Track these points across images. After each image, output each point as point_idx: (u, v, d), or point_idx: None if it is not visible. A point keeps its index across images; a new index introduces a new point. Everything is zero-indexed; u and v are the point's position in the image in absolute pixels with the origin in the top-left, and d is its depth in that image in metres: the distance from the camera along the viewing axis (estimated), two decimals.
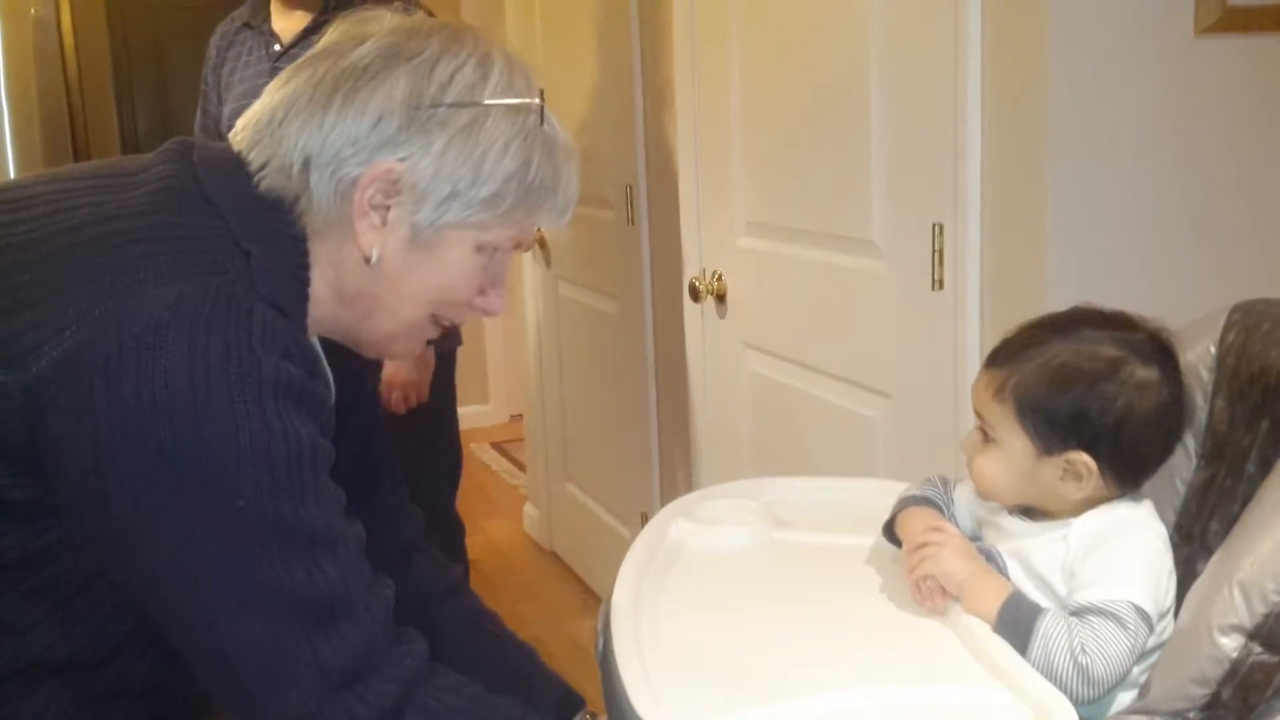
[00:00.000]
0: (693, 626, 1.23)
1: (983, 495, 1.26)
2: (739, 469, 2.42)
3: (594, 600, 3.29)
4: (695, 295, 2.46)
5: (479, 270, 1.19)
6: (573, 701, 1.40)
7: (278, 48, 2.42)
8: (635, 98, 2.73)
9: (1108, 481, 1.18)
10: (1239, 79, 1.66)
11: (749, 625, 1.23)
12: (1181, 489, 1.29)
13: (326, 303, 1.14)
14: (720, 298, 2.43)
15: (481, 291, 1.21)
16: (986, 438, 1.23)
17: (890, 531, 1.34)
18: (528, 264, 3.61)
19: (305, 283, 1.11)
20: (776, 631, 1.22)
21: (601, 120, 2.96)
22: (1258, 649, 1.04)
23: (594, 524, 3.39)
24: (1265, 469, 1.17)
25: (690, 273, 2.51)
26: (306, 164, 1.09)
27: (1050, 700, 1.01)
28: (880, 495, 1.54)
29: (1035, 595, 1.19)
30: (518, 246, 1.22)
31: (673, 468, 2.81)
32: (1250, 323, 1.27)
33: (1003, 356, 1.22)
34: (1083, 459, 1.18)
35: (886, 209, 1.91)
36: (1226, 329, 1.29)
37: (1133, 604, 1.10)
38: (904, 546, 1.26)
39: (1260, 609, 1.04)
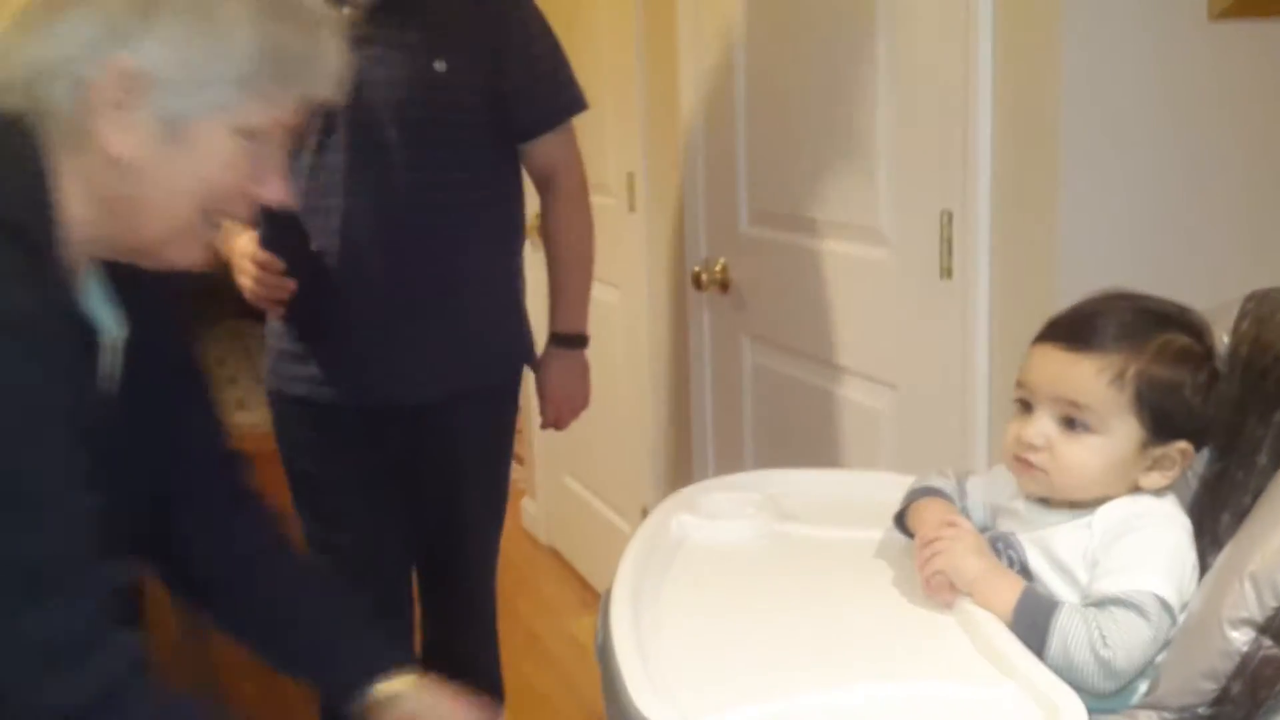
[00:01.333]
0: (693, 620, 1.21)
1: (1058, 491, 1.18)
2: (741, 462, 2.39)
3: (592, 596, 3.26)
4: (698, 284, 2.43)
5: (244, 156, 1.11)
6: (383, 664, 1.34)
7: None
8: (637, 82, 2.70)
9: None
10: (1253, 63, 1.64)
11: (751, 620, 1.22)
12: (1194, 482, 1.27)
13: (89, 219, 1.08)
14: (724, 287, 2.40)
15: (257, 180, 1.13)
16: (1072, 427, 1.17)
17: (901, 523, 1.31)
18: (526, 250, 3.57)
19: (48, 205, 1.04)
20: (778, 626, 1.20)
21: (603, 105, 2.93)
22: (1268, 643, 1.02)
23: (593, 518, 3.36)
24: (1277, 460, 1.15)
25: (693, 261, 2.49)
26: (37, 76, 1.04)
27: (1059, 696, 0.99)
28: (886, 488, 1.52)
29: (1056, 583, 1.17)
30: (286, 127, 1.13)
31: (674, 461, 2.79)
32: (1264, 312, 1.24)
33: (1096, 339, 1.15)
34: (1183, 447, 1.16)
35: (894, 197, 1.88)
36: (1240, 318, 1.26)
37: (1155, 595, 1.08)
38: (916, 539, 1.24)
39: (1271, 602, 1.02)
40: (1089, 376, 1.15)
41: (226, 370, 6.47)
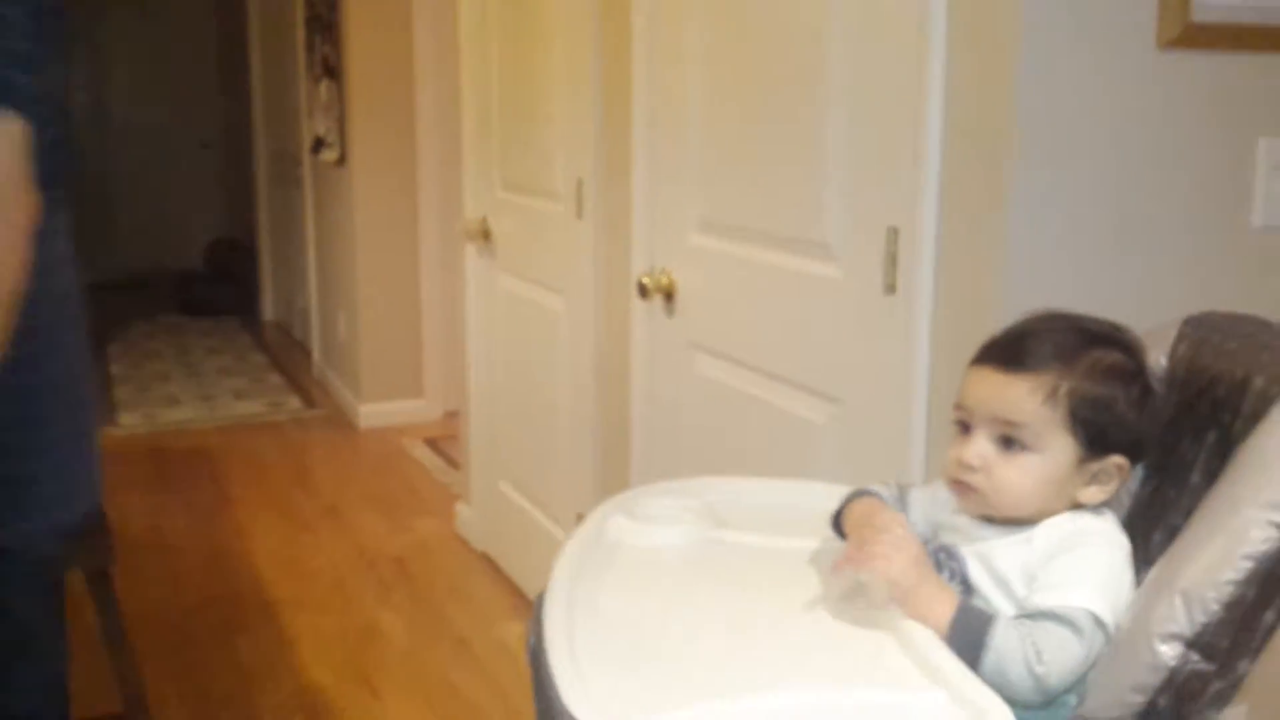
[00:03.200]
0: (627, 624, 1.21)
1: (994, 509, 1.20)
2: (679, 472, 2.38)
3: (525, 603, 3.24)
4: (643, 292, 2.43)
5: None
6: None
7: None
8: (591, 89, 2.70)
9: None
10: (1199, 93, 1.67)
11: (684, 624, 1.21)
12: (1126, 500, 1.29)
13: None
14: (669, 296, 2.40)
15: None
16: (1010, 446, 1.18)
17: (838, 524, 1.31)
18: (469, 255, 3.56)
19: None
20: (712, 631, 1.19)
21: (554, 111, 2.92)
22: (1195, 657, 1.04)
23: (528, 525, 3.34)
24: (1209, 480, 1.16)
25: (638, 269, 2.48)
26: None
27: (987, 703, 1.00)
28: (823, 498, 1.52)
29: (995, 596, 1.18)
30: None
31: (612, 470, 2.77)
32: (1201, 335, 1.26)
33: (1030, 359, 1.17)
34: (1119, 461, 1.18)
35: (841, 212, 1.89)
36: (1178, 341, 1.29)
37: (1090, 612, 1.09)
38: (850, 537, 1.24)
39: (1200, 618, 1.04)
40: (1023, 396, 1.16)
41: (160, 365, 6.39)
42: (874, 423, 1.85)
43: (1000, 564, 1.18)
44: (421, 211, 5.14)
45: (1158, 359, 1.28)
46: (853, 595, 1.16)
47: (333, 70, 5.21)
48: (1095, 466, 1.18)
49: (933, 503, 1.31)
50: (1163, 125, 1.66)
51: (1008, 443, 1.18)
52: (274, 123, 7.01)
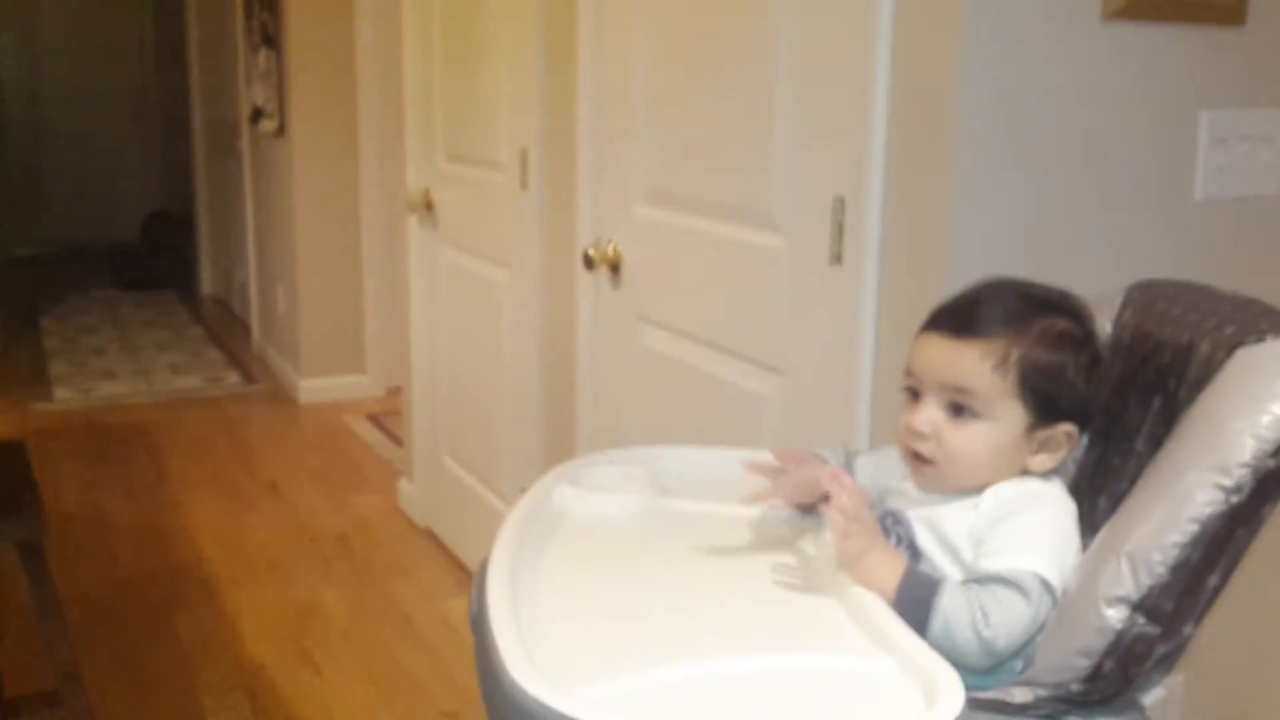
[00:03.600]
0: (572, 591, 1.19)
1: (949, 479, 1.19)
2: (626, 445, 2.36)
3: (468, 579, 3.22)
4: (589, 264, 2.41)
5: None
6: None
7: None
8: (534, 58, 2.66)
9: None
10: (1142, 65, 1.68)
11: (630, 591, 1.20)
12: (1072, 467, 1.29)
13: None
14: (615, 268, 2.38)
15: None
16: (960, 413, 1.17)
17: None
18: (412, 227, 3.52)
19: None
20: (658, 598, 1.18)
21: (498, 80, 2.89)
22: (1141, 620, 1.04)
23: (473, 501, 3.32)
24: (1154, 446, 1.17)
25: (584, 241, 2.46)
26: None
27: (936, 670, 0.99)
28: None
29: (943, 561, 1.18)
30: None
31: (558, 443, 2.76)
32: (1146, 301, 1.27)
33: (979, 326, 1.17)
34: (1068, 429, 1.18)
35: (787, 182, 1.88)
36: (1123, 308, 1.29)
37: (1037, 574, 1.09)
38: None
39: (1146, 580, 1.04)
40: (973, 362, 1.16)
41: (95, 340, 6.27)
42: (819, 393, 1.85)
43: (947, 528, 1.17)
44: (363, 183, 5.06)
45: (1103, 325, 1.28)
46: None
47: (271, 38, 5.12)
48: (1044, 434, 1.18)
49: (880, 468, 1.31)
50: (1107, 97, 1.66)
51: (958, 410, 1.17)
52: (211, 92, 6.88)
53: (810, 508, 1.30)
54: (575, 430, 2.62)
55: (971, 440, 1.17)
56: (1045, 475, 1.19)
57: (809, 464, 1.29)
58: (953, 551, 1.17)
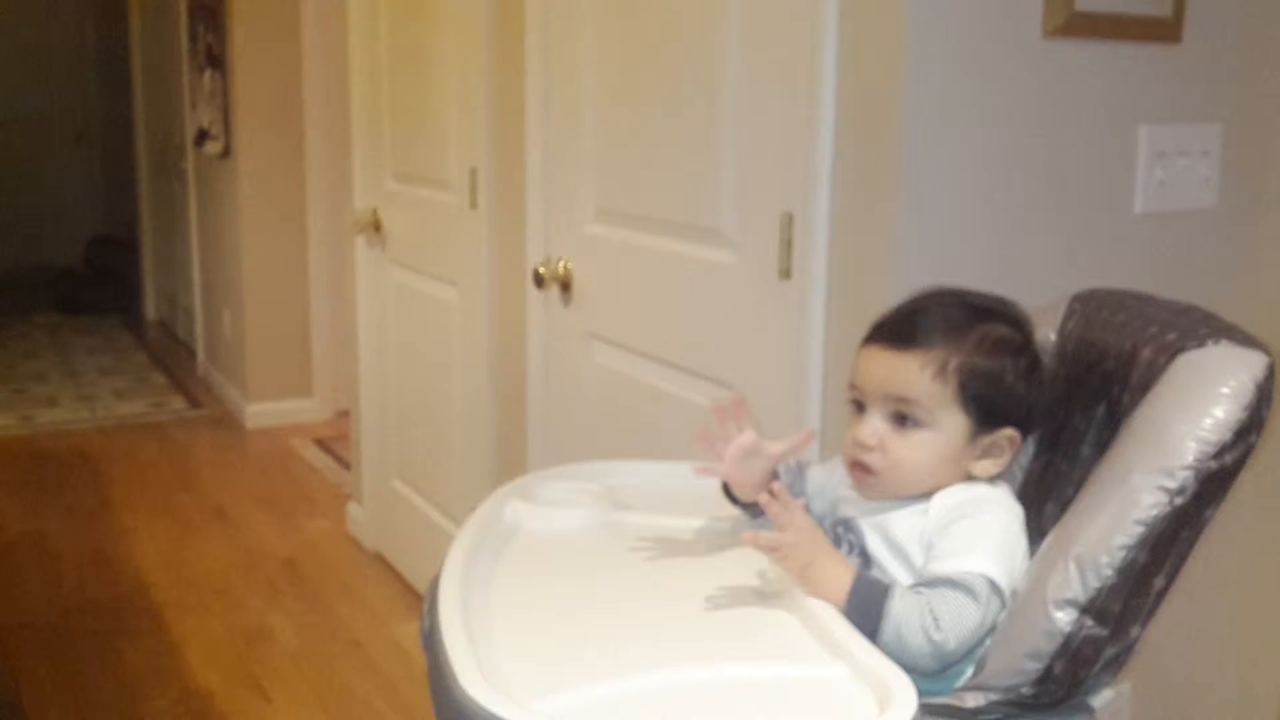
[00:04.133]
0: (525, 606, 1.19)
1: (892, 488, 1.20)
2: (579, 462, 2.36)
3: (418, 602, 3.19)
4: (539, 282, 2.40)
5: None
6: None
7: None
8: (483, 77, 2.66)
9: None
10: (1083, 81, 1.70)
11: (583, 605, 1.20)
12: (1019, 474, 1.31)
13: None
14: (565, 286, 2.38)
15: None
16: (903, 423, 1.19)
17: (729, 490, 1.32)
18: (359, 248, 3.50)
19: None
20: (612, 611, 1.18)
21: (446, 99, 2.88)
22: (1090, 622, 1.06)
23: (423, 523, 3.29)
24: (1100, 451, 1.19)
25: (534, 259, 2.46)
26: None
27: (891, 678, 1.00)
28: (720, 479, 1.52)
29: (894, 566, 1.19)
30: None
31: (509, 463, 2.75)
32: (1090, 310, 1.29)
33: (919, 336, 1.18)
34: (1010, 434, 1.20)
35: (736, 198, 1.89)
36: (1066, 317, 1.31)
37: (985, 577, 1.10)
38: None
39: (1094, 583, 1.05)
40: (913, 373, 1.18)
41: (38, 365, 6.18)
42: (770, 407, 1.85)
43: (897, 533, 1.19)
44: (309, 205, 5.03)
45: (1047, 335, 1.30)
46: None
47: (217, 60, 5.09)
48: (987, 440, 1.19)
49: (830, 478, 1.32)
50: (1048, 112, 1.69)
51: (901, 420, 1.19)
52: (156, 114, 6.81)
53: (760, 511, 1.31)
54: (526, 449, 2.62)
55: (916, 449, 1.18)
56: (991, 480, 1.21)
57: (742, 430, 1.29)
58: (903, 556, 1.18)
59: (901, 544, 1.18)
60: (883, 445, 1.19)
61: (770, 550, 1.14)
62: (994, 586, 1.10)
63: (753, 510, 1.32)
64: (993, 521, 1.16)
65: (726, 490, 1.34)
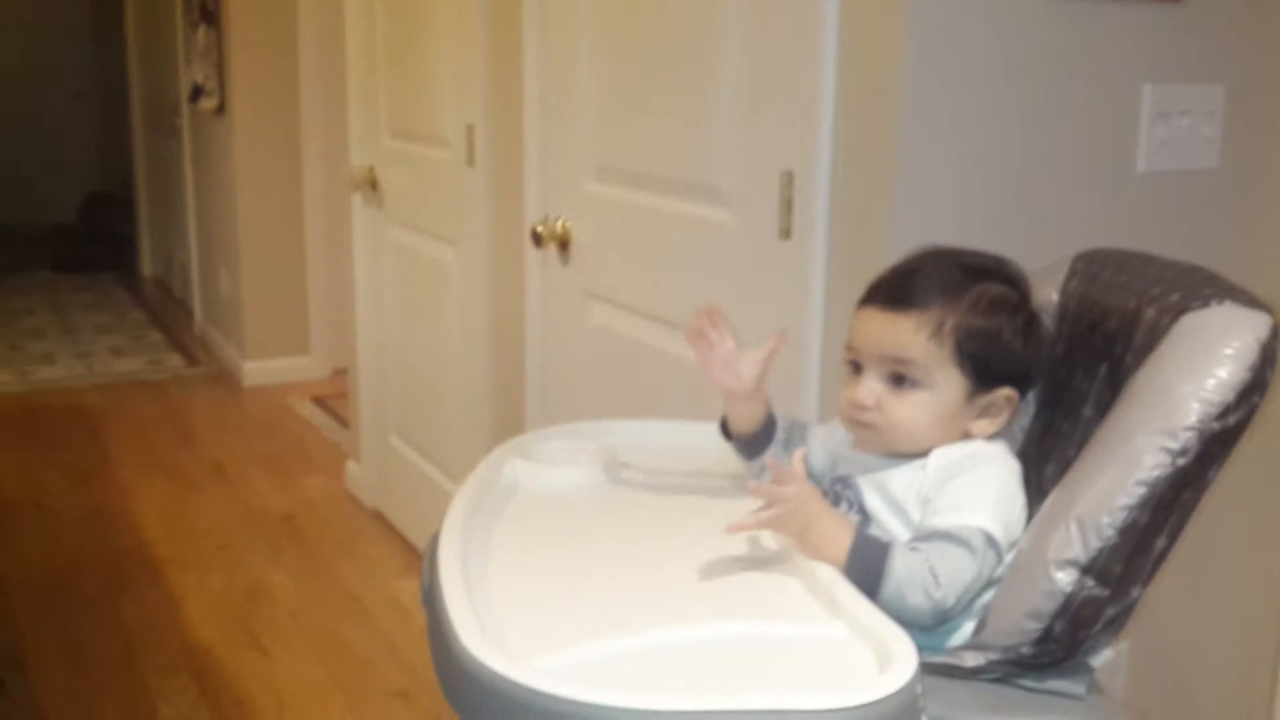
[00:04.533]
0: (525, 563, 1.19)
1: (890, 445, 1.21)
2: (577, 421, 2.36)
3: (417, 559, 3.20)
4: (537, 241, 2.39)
5: None
6: None
7: None
8: (479, 31, 2.64)
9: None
10: (1087, 38, 1.69)
11: (584, 563, 1.20)
12: (1019, 435, 1.31)
13: None
14: (564, 245, 2.37)
15: None
16: (901, 384, 1.19)
17: (725, 427, 1.35)
18: (356, 206, 3.48)
19: None
20: (612, 569, 1.18)
21: (442, 54, 2.86)
22: (1090, 583, 1.06)
23: (421, 481, 3.30)
24: (1102, 412, 1.18)
25: (532, 218, 2.45)
26: None
27: (890, 636, 1.00)
28: (718, 438, 1.52)
29: (892, 522, 1.19)
30: None
31: (507, 422, 2.74)
32: (1092, 270, 1.28)
33: (915, 297, 1.18)
34: (1008, 393, 1.20)
35: (736, 157, 1.88)
36: (1069, 277, 1.30)
37: (983, 530, 1.11)
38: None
39: (1095, 543, 1.06)
40: (909, 333, 1.18)
41: (34, 322, 6.17)
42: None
43: (895, 489, 1.19)
44: (305, 161, 5.00)
45: (1050, 295, 1.30)
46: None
47: (211, 15, 5.04)
48: (985, 399, 1.20)
49: (830, 436, 1.32)
50: (1052, 71, 1.67)
51: (899, 380, 1.19)
52: (150, 70, 6.76)
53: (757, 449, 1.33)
54: (525, 408, 2.61)
55: (913, 409, 1.19)
56: (990, 438, 1.21)
57: (724, 340, 1.31)
58: (901, 512, 1.18)
59: (899, 500, 1.19)
60: (880, 405, 1.20)
61: (769, 519, 1.13)
62: (990, 540, 1.11)
63: (748, 447, 1.34)
64: (990, 476, 1.16)
65: (724, 428, 1.35)
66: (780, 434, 1.33)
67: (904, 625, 1.01)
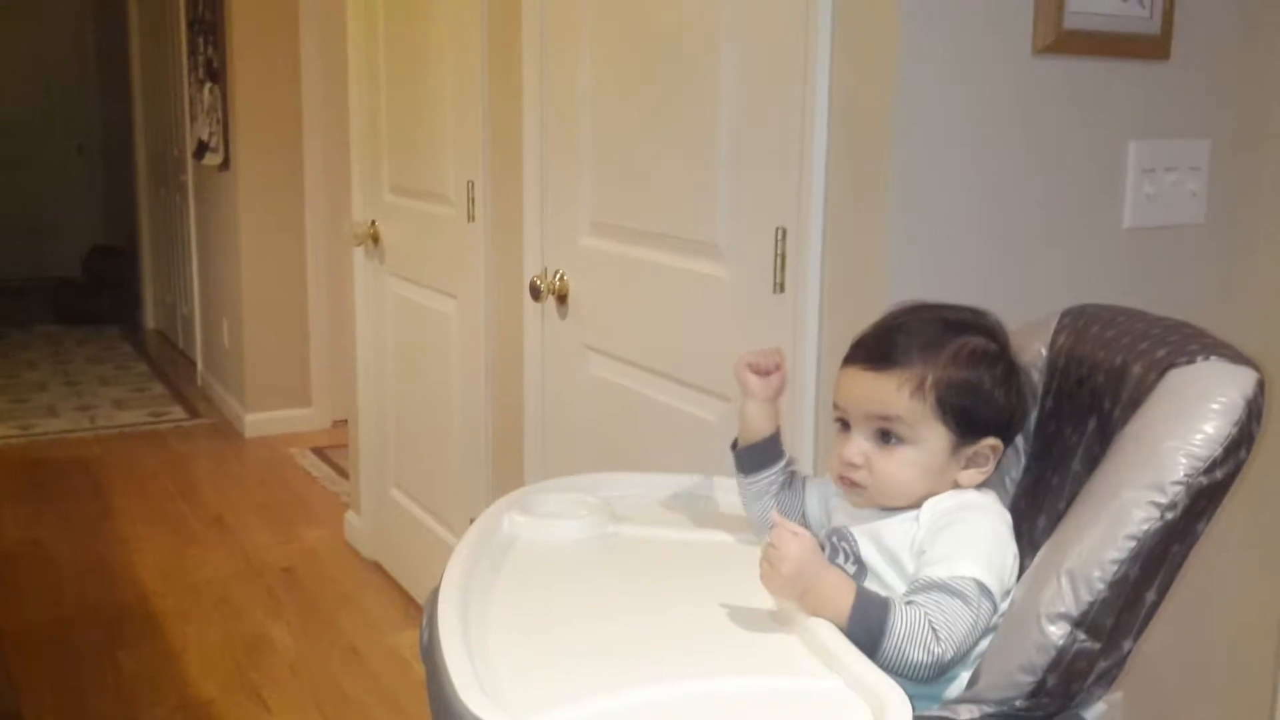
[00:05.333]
0: (523, 618, 1.20)
1: (881, 502, 1.23)
2: (576, 473, 2.37)
3: (417, 611, 3.20)
4: (536, 294, 2.42)
5: None
6: None
7: None
8: (480, 90, 2.68)
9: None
10: (1073, 98, 1.72)
11: (581, 618, 1.21)
12: (1010, 488, 1.32)
13: None
14: (561, 298, 2.40)
15: None
16: (887, 440, 1.21)
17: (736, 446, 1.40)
18: (358, 259, 3.51)
19: None
20: (609, 625, 1.19)
21: (444, 112, 2.90)
22: (1082, 636, 1.07)
23: (420, 532, 3.31)
24: (1091, 466, 1.20)
25: (531, 271, 2.47)
26: None
27: (885, 691, 1.01)
28: (717, 491, 1.54)
29: (888, 573, 1.21)
30: None
31: (506, 474, 2.76)
32: (1079, 326, 1.30)
33: (896, 354, 1.21)
34: (992, 443, 1.22)
35: (731, 213, 1.91)
36: (1057, 332, 1.32)
37: (976, 580, 1.12)
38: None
39: (1086, 597, 1.07)
40: (891, 391, 1.20)
41: (38, 374, 6.19)
42: None
43: (890, 540, 1.21)
44: (308, 216, 5.05)
45: (1038, 349, 1.32)
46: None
47: (216, 74, 5.11)
48: (970, 450, 1.22)
49: (826, 486, 1.34)
50: (1038, 129, 1.70)
51: (885, 436, 1.22)
52: (155, 126, 6.83)
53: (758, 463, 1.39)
54: (523, 460, 2.63)
55: (900, 465, 1.21)
56: (979, 489, 1.23)
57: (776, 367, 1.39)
58: (896, 563, 1.20)
59: (894, 551, 1.20)
60: (868, 463, 1.22)
61: (770, 581, 1.15)
62: (984, 589, 1.12)
63: (749, 459, 1.38)
64: (982, 526, 1.18)
65: (733, 448, 1.41)
66: (783, 463, 1.38)
67: (903, 679, 1.02)
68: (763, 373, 1.37)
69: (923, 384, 1.19)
